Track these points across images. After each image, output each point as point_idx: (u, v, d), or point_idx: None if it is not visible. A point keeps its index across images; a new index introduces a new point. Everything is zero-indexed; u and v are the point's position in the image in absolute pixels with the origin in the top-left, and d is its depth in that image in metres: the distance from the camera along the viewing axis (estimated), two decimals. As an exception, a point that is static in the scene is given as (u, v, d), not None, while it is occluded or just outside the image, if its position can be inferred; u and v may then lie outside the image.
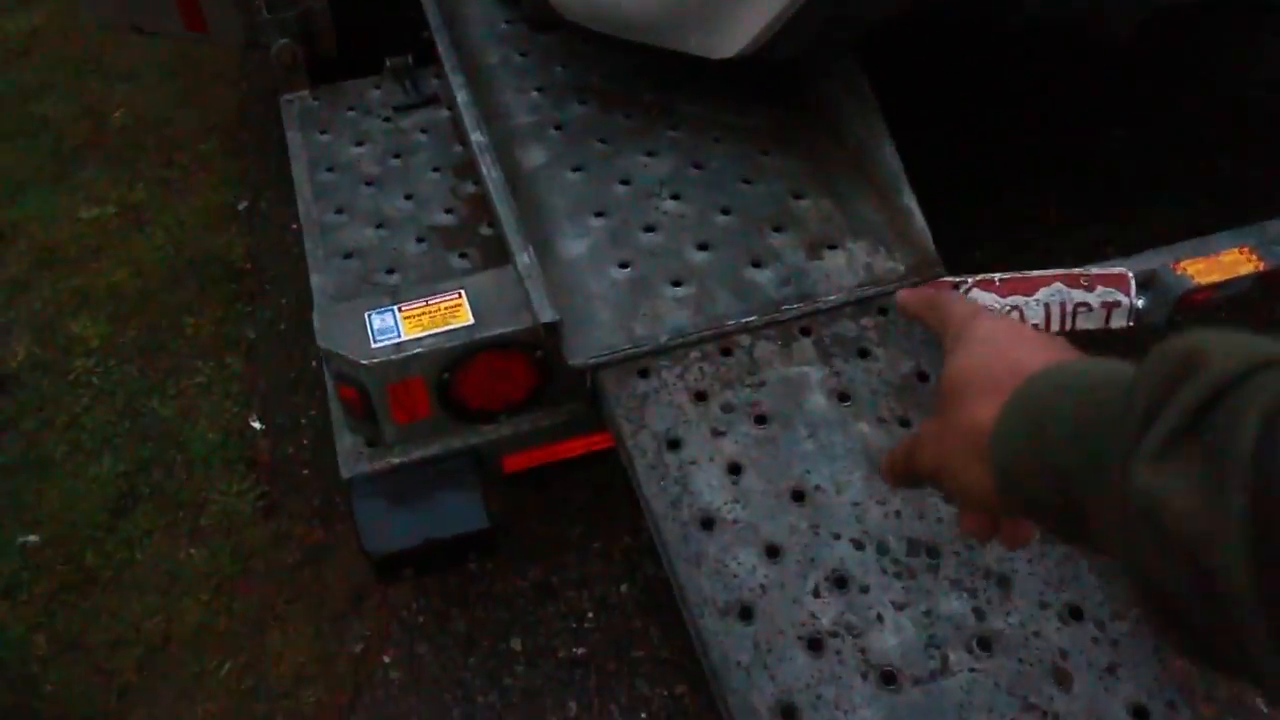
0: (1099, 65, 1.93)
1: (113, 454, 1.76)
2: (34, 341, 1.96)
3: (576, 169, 1.53)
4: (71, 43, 2.78)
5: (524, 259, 1.31)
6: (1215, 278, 1.49)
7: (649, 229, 1.43)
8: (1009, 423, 0.47)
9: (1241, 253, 1.52)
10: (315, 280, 1.54)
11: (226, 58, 2.65)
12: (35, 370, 1.91)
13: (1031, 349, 0.51)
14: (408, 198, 1.64)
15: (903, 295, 0.63)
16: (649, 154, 1.55)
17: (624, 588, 1.57)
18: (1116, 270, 1.46)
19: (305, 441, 1.77)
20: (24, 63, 2.72)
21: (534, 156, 1.56)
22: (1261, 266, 1.50)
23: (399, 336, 1.24)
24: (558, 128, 1.61)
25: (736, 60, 1.40)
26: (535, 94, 1.67)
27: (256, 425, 1.81)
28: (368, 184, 1.67)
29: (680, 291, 1.35)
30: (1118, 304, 1.46)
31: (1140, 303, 1.46)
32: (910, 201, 1.44)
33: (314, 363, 1.92)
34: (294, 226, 2.21)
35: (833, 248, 1.41)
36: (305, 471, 1.71)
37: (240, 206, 2.25)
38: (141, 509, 1.67)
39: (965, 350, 0.54)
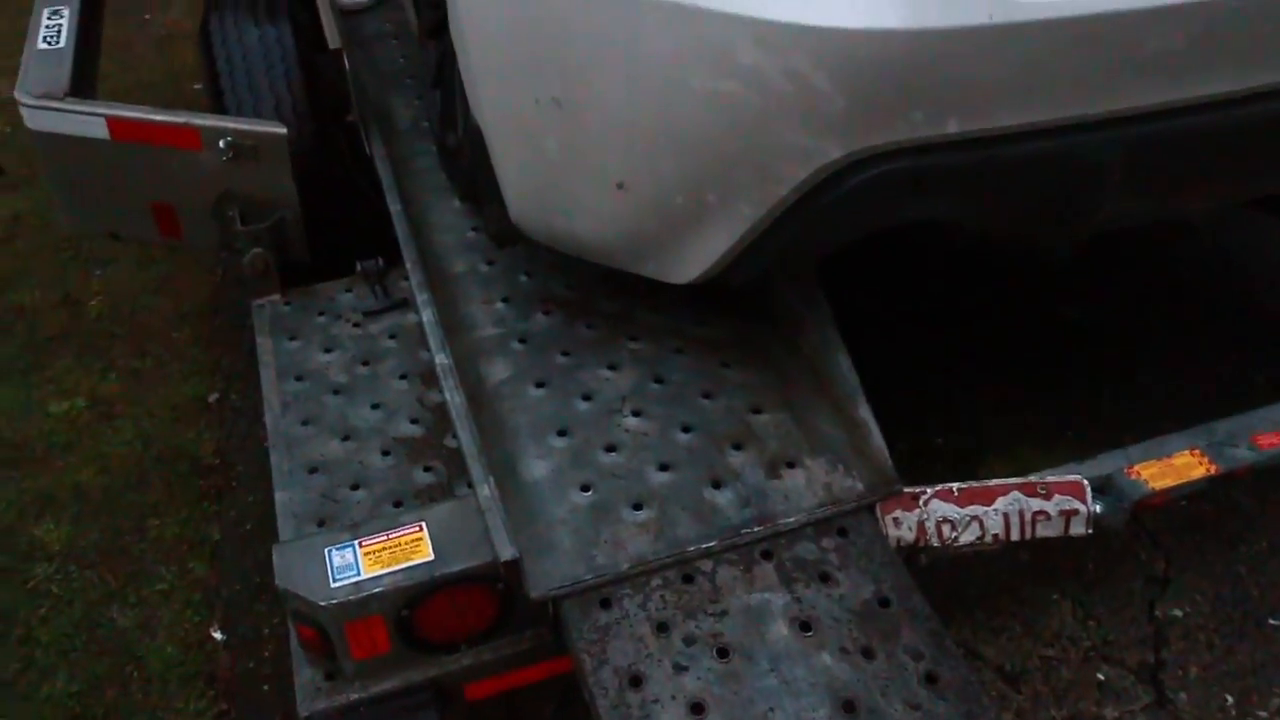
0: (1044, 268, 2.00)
1: (67, 670, 1.72)
2: (-6, 547, 1.93)
3: (540, 384, 1.56)
4: (52, 228, 2.84)
5: (484, 491, 1.32)
6: (1169, 482, 1.52)
7: (610, 449, 1.45)
8: None
9: (1193, 454, 1.55)
10: (280, 497, 1.54)
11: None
12: (-7, 578, 1.87)
13: None
14: (375, 407, 1.65)
15: None
16: (611, 367, 1.59)
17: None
18: (1071, 478, 1.49)
19: (267, 654, 1.73)
20: (4, 249, 2.77)
21: (498, 371, 1.59)
22: (1213, 470, 1.53)
23: (359, 575, 1.24)
24: (521, 340, 1.65)
25: (691, 285, 1.45)
26: (500, 304, 1.72)
27: (218, 636, 1.77)
28: (335, 393, 1.69)
29: (641, 515, 1.36)
30: (1075, 512, 1.48)
31: (1098, 508, 1.48)
32: (867, 414, 1.47)
33: (278, 566, 1.90)
34: (265, 419, 2.22)
35: (791, 465, 1.43)
36: (266, 687, 1.68)
37: (211, 399, 2.27)
38: (94, 731, 1.62)
39: None
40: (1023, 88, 1.17)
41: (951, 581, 1.31)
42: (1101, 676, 1.59)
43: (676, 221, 1.35)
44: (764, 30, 1.12)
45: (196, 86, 3.62)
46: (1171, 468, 1.54)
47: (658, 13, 1.18)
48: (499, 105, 1.45)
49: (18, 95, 1.82)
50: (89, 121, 1.81)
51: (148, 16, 4.07)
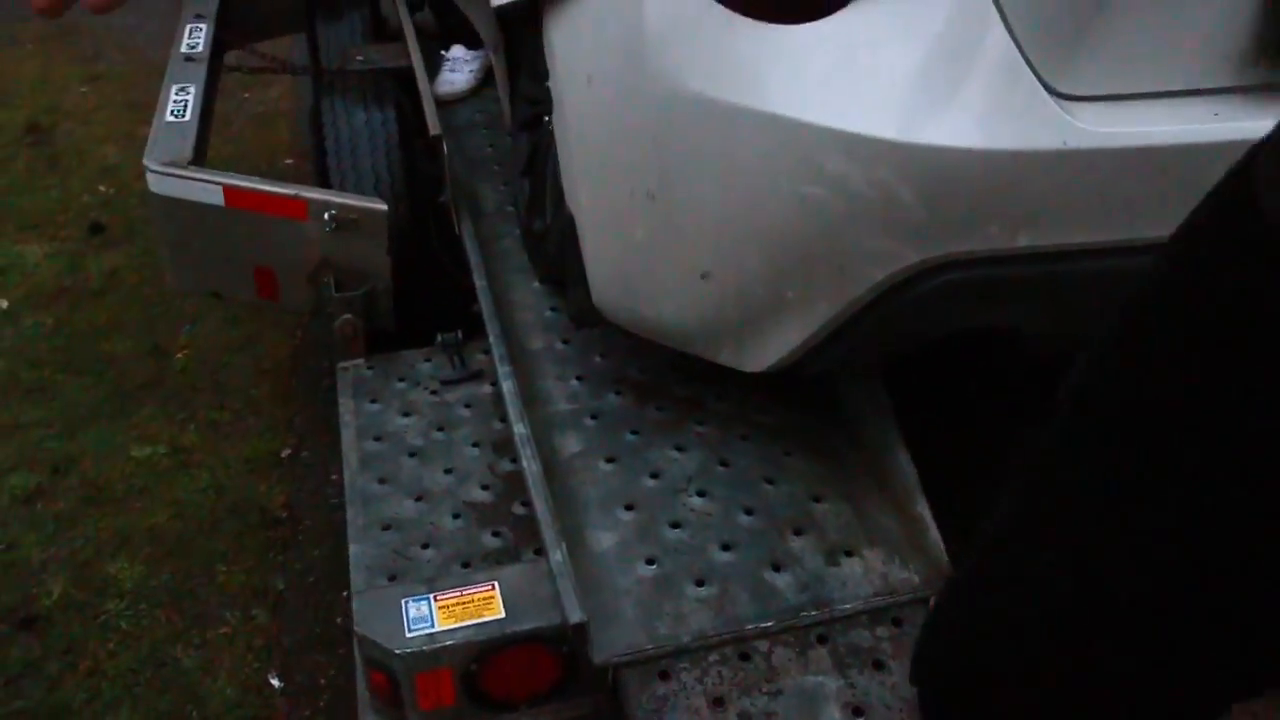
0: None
1: (130, 704, 1.77)
2: (70, 582, 2.01)
3: (609, 460, 1.63)
4: (146, 285, 3.01)
5: (557, 556, 1.38)
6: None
7: (675, 525, 1.51)
8: None
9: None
10: (353, 549, 1.60)
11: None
12: (67, 611, 1.95)
13: None
14: (448, 471, 1.73)
15: None
16: (678, 448, 1.65)
17: None
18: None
19: (322, 703, 1.78)
20: (100, 302, 2.93)
21: (570, 444, 1.67)
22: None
23: (432, 627, 1.30)
24: (594, 417, 1.72)
25: (764, 373, 1.52)
26: (575, 382, 1.80)
27: (276, 683, 1.83)
28: (411, 455, 1.77)
29: (703, 592, 1.41)
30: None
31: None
32: (924, 511, 1.51)
33: (339, 619, 1.96)
34: (334, 477, 2.31)
35: (850, 554, 1.47)
36: (319, 736, 1.72)
37: (284, 454, 2.36)
38: (151, 767, 1.67)
39: None
40: (1088, 209, 1.25)
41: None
42: None
43: (755, 312, 1.44)
44: (853, 142, 1.22)
45: (289, 161, 3.85)
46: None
47: (752, 120, 1.28)
48: (594, 196, 1.56)
49: (146, 162, 1.98)
50: (207, 189, 1.96)
51: (246, 95, 4.33)
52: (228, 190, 1.95)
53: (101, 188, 3.58)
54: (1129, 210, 1.25)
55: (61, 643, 1.89)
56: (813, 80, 1.24)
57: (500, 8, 1.66)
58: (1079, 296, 1.34)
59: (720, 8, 1.27)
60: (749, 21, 1.26)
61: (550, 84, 1.62)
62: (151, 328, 2.82)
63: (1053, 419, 0.76)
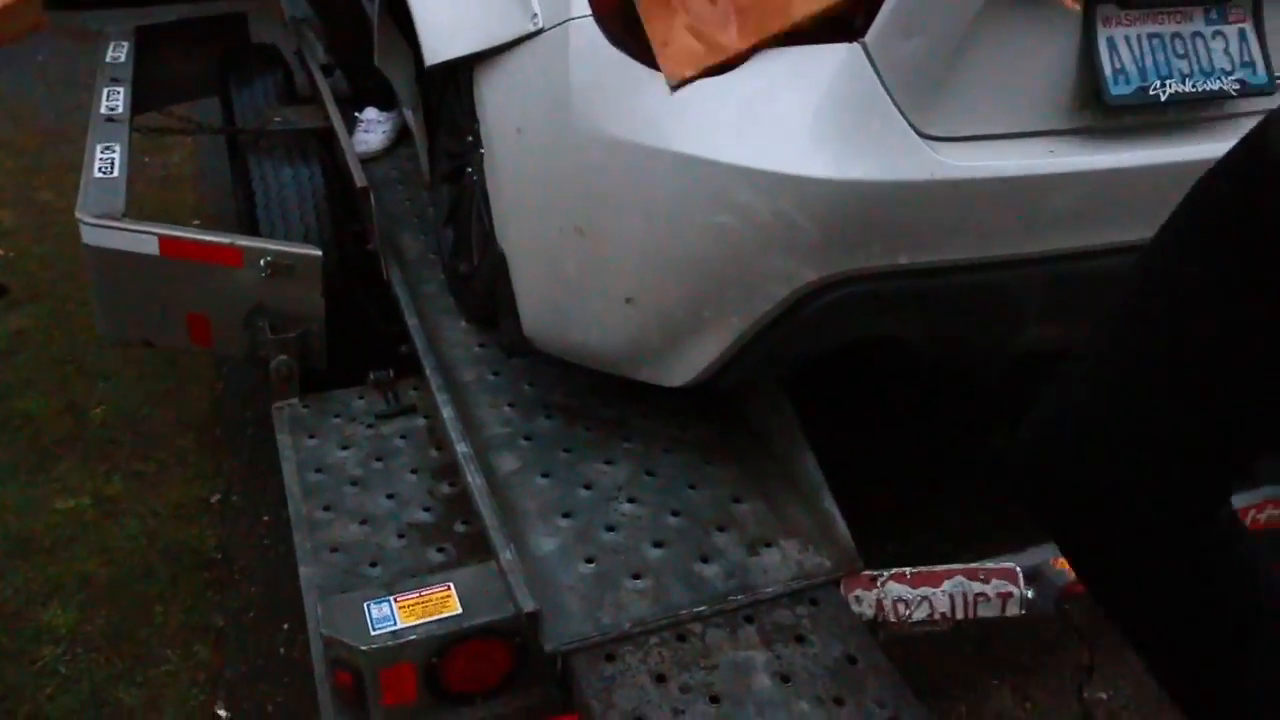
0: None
1: (74, 746, 1.79)
2: (2, 630, 2.01)
3: (545, 474, 1.77)
4: (55, 344, 3.00)
5: (506, 555, 1.50)
6: (1087, 571, 1.75)
7: (610, 528, 1.65)
8: None
9: (1108, 550, 1.80)
10: (304, 572, 1.68)
11: (203, 361, 2.90)
12: (1, 659, 1.95)
13: None
14: (389, 496, 1.83)
15: None
16: (607, 462, 1.80)
17: None
18: (1006, 565, 1.72)
19: (270, 730, 1.84)
20: (8, 362, 2.92)
21: (508, 463, 1.80)
22: (1124, 562, 1.77)
23: (395, 624, 1.40)
24: (527, 438, 1.86)
25: (683, 388, 1.70)
26: (507, 408, 1.94)
27: (222, 714, 1.87)
28: (352, 484, 1.86)
29: (640, 584, 1.55)
30: (1010, 594, 1.70)
31: (1029, 593, 1.71)
32: (831, 506, 1.70)
33: (281, 650, 2.02)
34: (265, 519, 2.37)
35: (769, 545, 1.64)
36: (270, 761, 1.77)
37: (213, 499, 2.41)
38: (98, 805, 1.69)
39: None
40: (956, 230, 1.48)
41: (904, 669, 1.51)
42: (1039, 751, 1.78)
43: (676, 332, 1.61)
44: (755, 177, 1.42)
45: (195, 223, 3.88)
46: (1090, 560, 1.78)
47: (669, 161, 1.47)
48: (525, 234, 1.72)
49: (79, 215, 2.04)
50: (141, 239, 2.04)
51: (147, 159, 4.35)
52: (163, 240, 2.03)
53: (0, 251, 3.55)
54: (986, 230, 1.48)
55: (-2, 690, 1.89)
56: (720, 125, 1.44)
57: (430, 67, 1.82)
58: (951, 307, 1.57)
59: (636, 63, 1.47)
60: (662, 75, 1.46)
61: (481, 133, 1.78)
62: (65, 385, 2.82)
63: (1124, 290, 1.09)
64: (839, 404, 1.99)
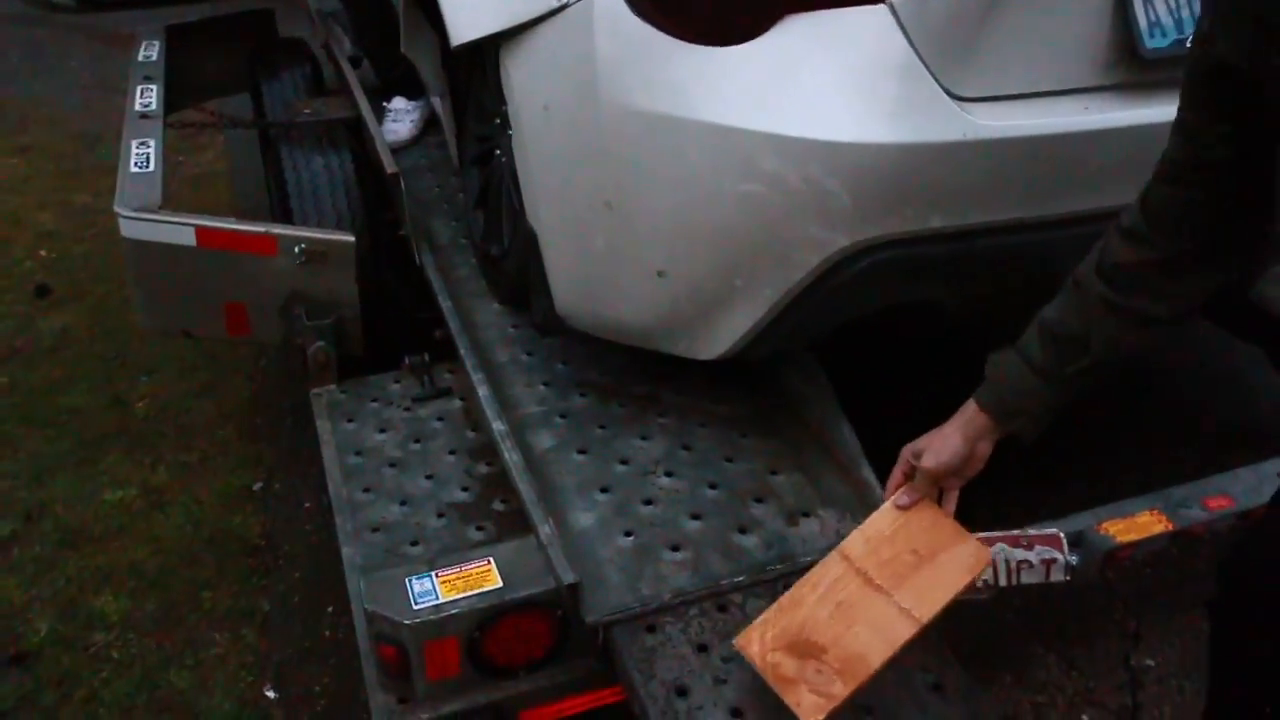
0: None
1: (129, 727, 1.83)
2: (56, 618, 2.06)
3: (581, 451, 1.77)
4: (98, 340, 3.06)
5: (545, 529, 1.51)
6: (1133, 537, 1.73)
7: (648, 502, 1.66)
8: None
9: (1153, 514, 1.77)
10: (346, 552, 1.71)
11: (241, 354, 2.94)
12: (56, 645, 2.00)
13: None
14: (428, 478, 1.85)
15: None
16: (643, 438, 1.81)
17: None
18: (1050, 531, 1.69)
19: (318, 708, 1.86)
20: (54, 358, 2.98)
21: (543, 440, 1.81)
22: (1171, 527, 1.74)
23: (437, 599, 1.42)
24: (563, 416, 1.87)
25: (714, 361, 1.69)
26: (542, 387, 1.95)
27: (271, 695, 1.90)
28: (391, 465, 1.88)
29: (679, 556, 1.55)
30: (1054, 561, 1.68)
31: (1073, 559, 1.69)
32: (870, 475, 1.69)
33: (327, 632, 2.05)
34: (306, 505, 2.40)
35: (807, 515, 1.64)
36: (319, 739, 1.80)
37: (255, 487, 2.44)
38: (156, 783, 1.72)
39: None
40: (986, 192, 1.46)
41: (950, 638, 1.49)
42: (1085, 718, 1.76)
43: (708, 304, 1.61)
44: (784, 144, 1.41)
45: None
46: (1135, 525, 1.75)
47: (696, 131, 1.46)
48: (555, 211, 1.72)
49: (117, 208, 2.08)
50: (179, 230, 2.07)
51: (181, 159, 4.41)
52: (200, 231, 2.06)
53: (43, 252, 3.63)
54: (1019, 191, 1.46)
55: (54, 675, 1.93)
56: (747, 93, 1.43)
57: (457, 48, 1.82)
58: (985, 270, 1.55)
59: (661, 35, 1.46)
60: (688, 45, 1.45)
61: (509, 113, 1.78)
62: (109, 380, 2.87)
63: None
64: (876, 371, 1.98)
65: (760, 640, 1.31)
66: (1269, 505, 1.32)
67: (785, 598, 1.35)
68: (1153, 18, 1.45)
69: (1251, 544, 1.33)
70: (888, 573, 1.31)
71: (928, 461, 1.35)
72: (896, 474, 1.40)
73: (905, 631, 1.26)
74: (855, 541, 1.37)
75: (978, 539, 1.41)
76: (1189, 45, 1.10)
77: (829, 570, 1.35)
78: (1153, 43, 1.44)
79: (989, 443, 1.33)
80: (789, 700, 1.24)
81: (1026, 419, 1.29)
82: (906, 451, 1.39)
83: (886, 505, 1.40)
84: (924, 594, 1.29)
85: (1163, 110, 1.48)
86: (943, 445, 1.34)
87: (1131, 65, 1.49)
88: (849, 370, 1.82)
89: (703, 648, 1.43)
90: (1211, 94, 1.04)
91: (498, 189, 2.11)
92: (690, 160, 1.49)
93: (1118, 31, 1.46)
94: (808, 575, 1.36)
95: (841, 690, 1.23)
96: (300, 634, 2.03)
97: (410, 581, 1.45)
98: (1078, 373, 1.24)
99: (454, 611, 1.40)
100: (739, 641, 1.33)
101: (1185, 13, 1.46)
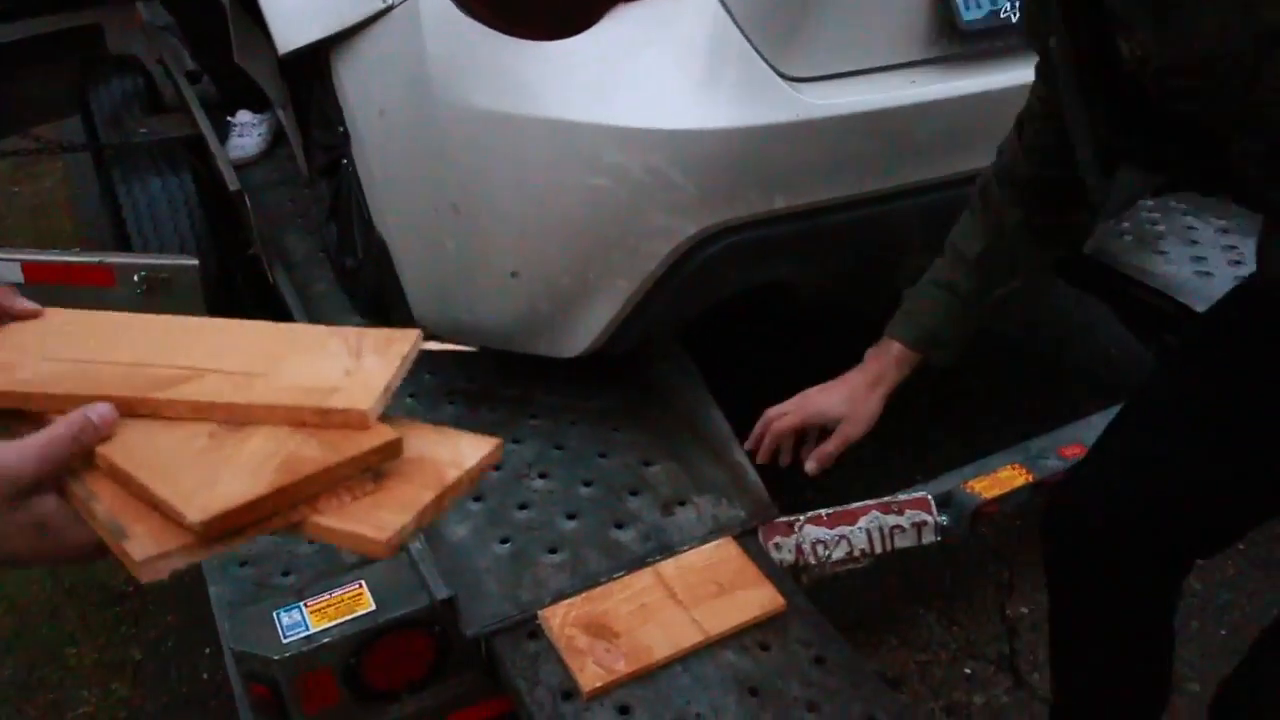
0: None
1: (-7, 800, 1.71)
2: (-98, 698, 1.92)
3: (453, 461, 1.73)
4: None
5: (416, 545, 1.47)
6: (997, 492, 1.79)
7: (522, 506, 1.63)
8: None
9: (1014, 468, 1.84)
10: (213, 591, 1.63)
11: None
12: (-95, 727, 1.86)
13: None
14: (296, 503, 1.78)
15: None
16: (515, 440, 1.78)
17: None
18: (919, 495, 1.75)
19: (199, 757, 1.78)
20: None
21: (413, 454, 1.76)
22: (1031, 478, 1.81)
23: (307, 630, 1.37)
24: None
25: (581, 358, 1.68)
26: (409, 399, 1.90)
27: (147, 747, 1.81)
28: (257, 495, 1.81)
29: (556, 558, 1.54)
30: (925, 523, 1.73)
31: (943, 519, 1.74)
32: (742, 458, 1.70)
33: (205, 675, 1.96)
34: (175, 544, 2.28)
35: (682, 504, 1.64)
36: (201, 788, 1.72)
37: (119, 530, 2.31)
38: None
39: None
40: (828, 169, 1.49)
41: (833, 610, 1.53)
42: (968, 670, 1.82)
43: (564, 301, 1.59)
44: (623, 135, 1.41)
45: (76, 249, 3.72)
46: (998, 480, 1.82)
47: (536, 127, 1.45)
48: (402, 217, 1.68)
49: (-69, 249, 1.94)
50: (5, 267, 1.94)
51: (17, 189, 4.16)
52: (26, 266, 1.94)
53: None
54: (855, 167, 1.49)
55: (-96, 758, 1.80)
56: (583, 85, 1.42)
57: (284, 57, 1.76)
58: (831, 246, 1.58)
59: (492, 32, 1.44)
60: (519, 41, 1.43)
61: (346, 121, 1.73)
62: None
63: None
64: (743, 355, 2.00)
65: (563, 616, 1.40)
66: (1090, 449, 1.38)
67: (596, 590, 1.44)
68: (968, -10, 1.50)
69: (1065, 486, 1.39)
70: (690, 594, 1.42)
71: (853, 431, 1.41)
72: (769, 439, 1.47)
73: (692, 638, 1.37)
74: (669, 565, 1.49)
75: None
76: None
77: (641, 579, 1.46)
78: (969, 15, 1.49)
79: (895, 385, 1.41)
80: (574, 667, 1.32)
81: (951, 348, 1.35)
82: (772, 414, 1.43)
83: (704, 547, 1.53)
84: (718, 615, 1.41)
85: (985, 80, 1.55)
86: (863, 410, 1.40)
87: (953, 38, 1.53)
88: (717, 355, 1.84)
89: (586, 647, 1.42)
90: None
91: (347, 199, 2.05)
92: (532, 158, 1.47)
93: (937, 5, 1.50)
94: (623, 579, 1.46)
95: (624, 668, 1.31)
96: (176, 681, 1.93)
97: (278, 615, 1.39)
98: (1007, 294, 1.30)
99: (325, 640, 1.35)
100: (544, 612, 1.41)
101: (998, -16, 1.52)
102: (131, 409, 0.69)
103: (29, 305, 0.83)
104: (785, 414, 1.45)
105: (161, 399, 0.71)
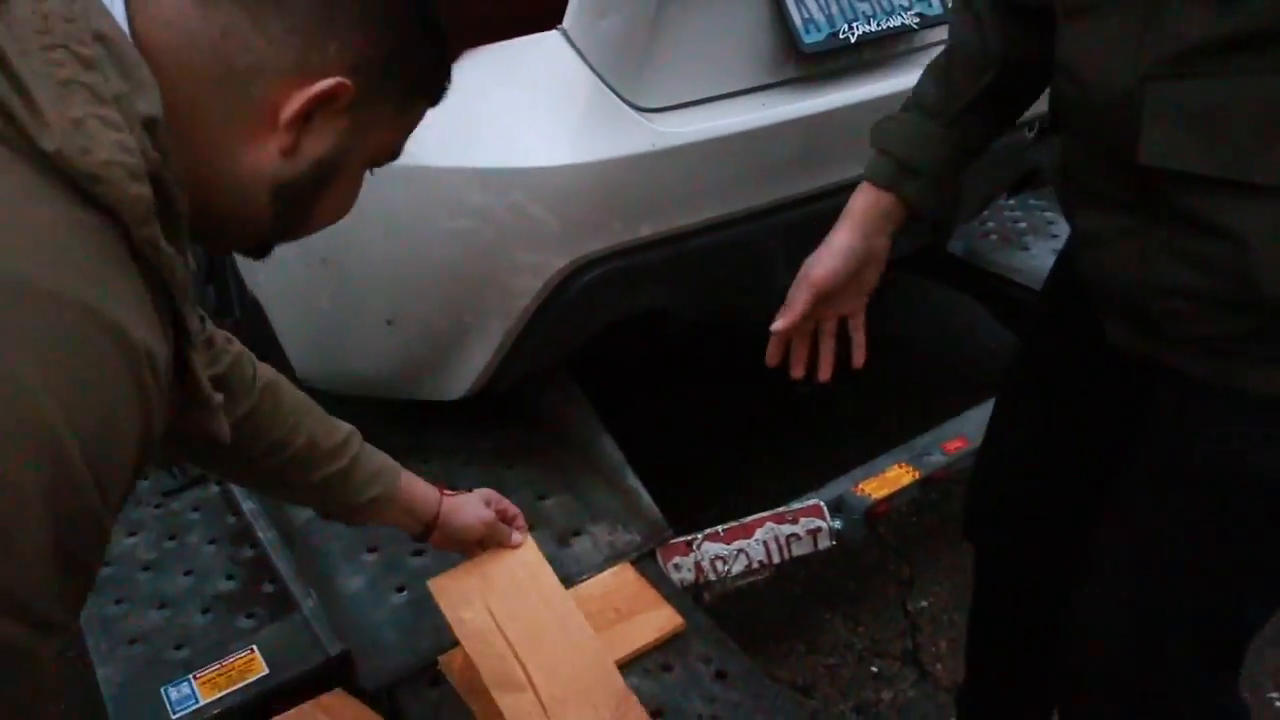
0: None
1: None
2: None
3: (345, 514, 1.71)
4: None
5: (308, 604, 1.45)
6: (887, 491, 1.85)
7: (418, 553, 1.62)
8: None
9: (901, 467, 1.90)
10: (101, 674, 1.57)
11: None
12: None
13: None
14: (187, 573, 1.73)
15: None
16: (408, 487, 1.77)
17: None
18: (811, 502, 1.79)
19: None
20: None
21: (304, 511, 1.73)
22: (918, 475, 1.88)
23: (197, 702, 1.33)
24: (323, 481, 1.80)
25: (464, 400, 1.68)
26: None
27: (45, 845, 1.72)
28: (145, 569, 1.75)
29: (455, 601, 1.53)
30: (819, 529, 1.78)
31: (836, 524, 1.79)
32: (635, 483, 1.72)
33: (104, 761, 1.88)
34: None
35: (578, 534, 1.65)
36: None
37: None
38: None
39: None
40: (689, 194, 1.53)
41: (739, 623, 1.55)
42: (875, 669, 1.86)
43: (442, 345, 1.60)
44: (484, 176, 1.42)
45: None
46: (886, 480, 1.88)
47: (399, 174, 1.44)
48: (274, 274, 1.66)
49: None
50: None
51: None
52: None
53: None
54: (715, 190, 1.54)
55: None
56: (440, 129, 1.41)
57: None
58: (700, 269, 1.62)
59: (345, 84, 1.44)
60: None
61: (206, 182, 1.70)
62: None
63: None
64: (631, 381, 2.02)
65: (463, 659, 1.33)
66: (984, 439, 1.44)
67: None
68: (806, 15, 1.56)
69: (970, 484, 1.45)
70: (590, 622, 1.38)
71: (816, 271, 1.12)
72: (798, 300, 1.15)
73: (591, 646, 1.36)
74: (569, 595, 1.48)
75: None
76: None
77: None
78: (809, 39, 1.55)
79: (885, 235, 1.14)
80: (477, 710, 1.31)
81: (925, 180, 1.11)
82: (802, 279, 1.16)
83: (602, 575, 1.55)
84: (619, 640, 1.43)
85: (830, 99, 1.61)
86: (832, 250, 1.13)
87: (797, 61, 1.59)
88: (605, 384, 1.86)
89: (489, 688, 1.41)
90: None
91: (221, 259, 2.02)
92: (397, 206, 1.47)
93: (778, 32, 1.57)
94: None
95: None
96: (75, 768, 1.85)
97: (166, 691, 1.36)
98: (971, 105, 1.11)
99: (216, 712, 1.32)
100: (443, 657, 1.40)
101: (835, 9, 1.59)
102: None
103: (518, 538, 1.37)
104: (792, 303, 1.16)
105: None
